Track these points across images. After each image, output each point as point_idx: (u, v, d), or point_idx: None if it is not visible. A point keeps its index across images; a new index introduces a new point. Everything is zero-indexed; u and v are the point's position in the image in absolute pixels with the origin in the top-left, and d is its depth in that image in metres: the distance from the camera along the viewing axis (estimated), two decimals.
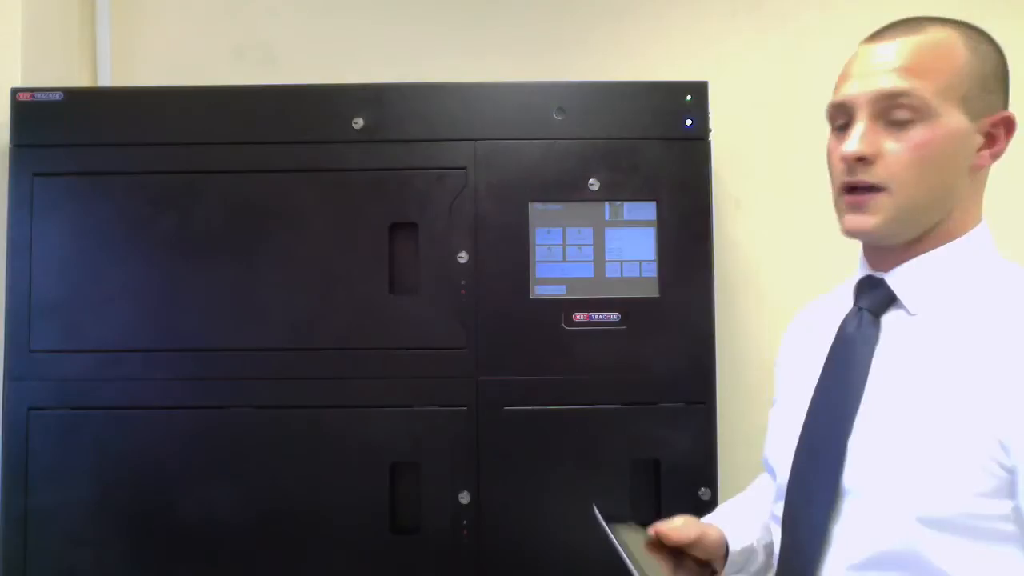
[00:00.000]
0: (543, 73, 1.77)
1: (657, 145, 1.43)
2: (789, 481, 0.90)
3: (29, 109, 1.44)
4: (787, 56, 1.81)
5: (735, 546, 0.99)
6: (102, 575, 1.39)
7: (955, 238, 0.86)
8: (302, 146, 1.44)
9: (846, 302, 0.93)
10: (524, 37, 1.84)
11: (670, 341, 1.41)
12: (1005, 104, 0.87)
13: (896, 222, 0.84)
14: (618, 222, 1.44)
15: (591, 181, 1.43)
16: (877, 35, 0.87)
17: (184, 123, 1.44)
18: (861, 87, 0.84)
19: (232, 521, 1.40)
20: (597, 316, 1.42)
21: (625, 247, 1.43)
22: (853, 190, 0.85)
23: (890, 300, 0.88)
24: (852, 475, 0.82)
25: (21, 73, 1.54)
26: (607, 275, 1.42)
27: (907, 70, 0.83)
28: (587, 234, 1.43)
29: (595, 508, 1.01)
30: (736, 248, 1.78)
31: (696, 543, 0.96)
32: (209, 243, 1.42)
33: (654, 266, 1.43)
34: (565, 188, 1.43)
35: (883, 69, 0.83)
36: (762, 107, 1.77)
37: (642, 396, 1.41)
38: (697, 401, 1.41)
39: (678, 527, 0.96)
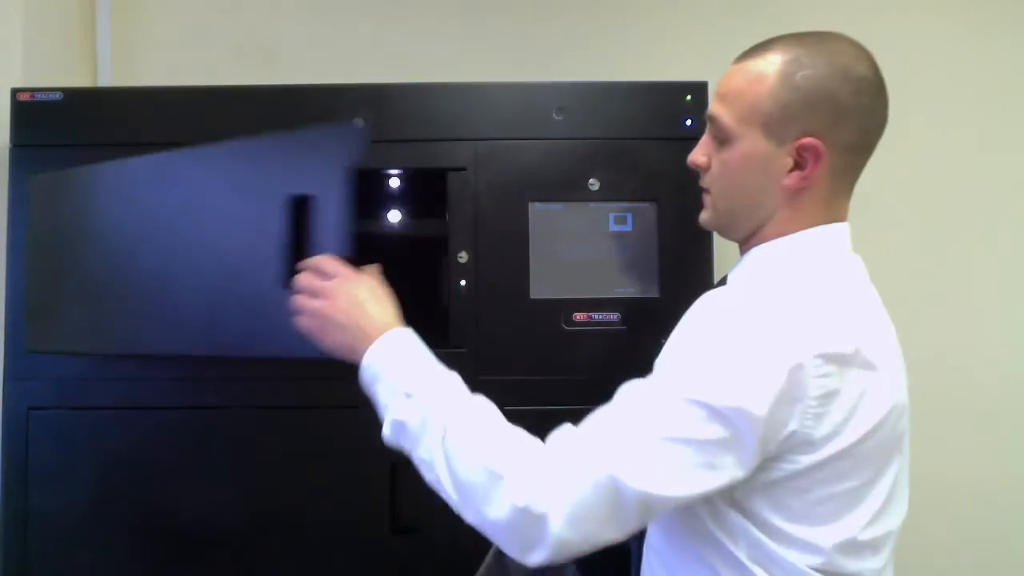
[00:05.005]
0: (543, 73, 1.77)
1: (657, 145, 1.43)
2: None
3: (29, 109, 1.43)
4: None
5: None
6: (102, 575, 1.40)
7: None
8: None
9: None
10: (524, 37, 1.84)
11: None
12: (819, 130, 0.89)
13: (717, 219, 1.00)
14: (618, 221, 1.44)
15: (591, 181, 1.43)
16: (741, 55, 0.96)
17: (184, 123, 1.44)
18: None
19: (232, 521, 1.39)
20: (597, 316, 1.41)
21: (625, 247, 1.43)
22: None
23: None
24: None
25: (21, 73, 1.54)
26: (607, 275, 1.41)
27: (721, 96, 0.95)
28: (587, 234, 1.43)
29: None
30: (736, 248, 1.78)
31: None
32: None
33: (654, 266, 1.43)
34: (565, 188, 1.43)
35: (715, 92, 0.97)
36: None
37: None
38: None
39: None
